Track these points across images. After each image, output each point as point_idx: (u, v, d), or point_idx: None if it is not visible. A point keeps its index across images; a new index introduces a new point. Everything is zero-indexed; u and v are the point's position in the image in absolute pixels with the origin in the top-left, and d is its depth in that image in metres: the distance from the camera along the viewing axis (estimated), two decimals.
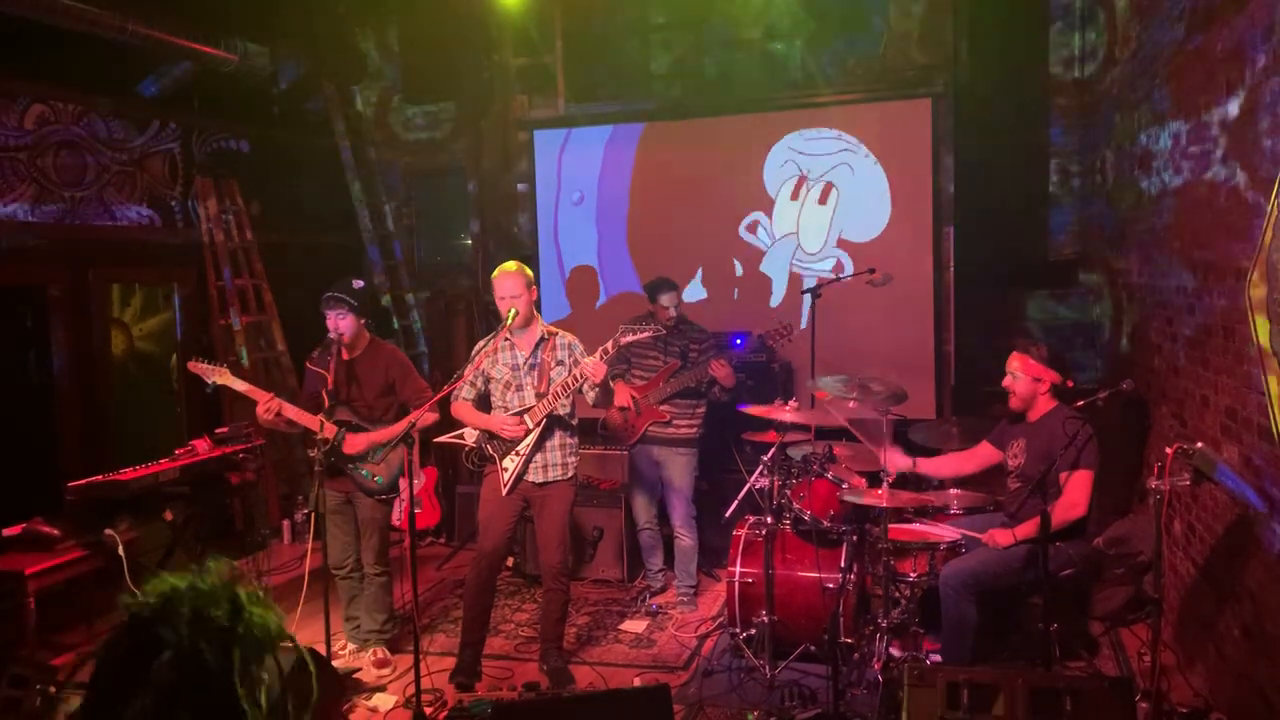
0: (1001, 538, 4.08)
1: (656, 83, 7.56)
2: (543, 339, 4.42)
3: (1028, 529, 3.97)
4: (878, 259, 6.11)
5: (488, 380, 4.46)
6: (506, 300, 4.31)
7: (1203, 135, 3.99)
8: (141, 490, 4.99)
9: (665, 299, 5.34)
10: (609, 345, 4.22)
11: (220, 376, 4.51)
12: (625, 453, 5.75)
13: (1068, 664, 4.26)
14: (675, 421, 5.38)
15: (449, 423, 4.60)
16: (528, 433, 4.33)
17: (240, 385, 4.52)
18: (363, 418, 4.58)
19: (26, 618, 4.45)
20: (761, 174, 6.77)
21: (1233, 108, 3.56)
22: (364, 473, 4.55)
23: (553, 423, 4.39)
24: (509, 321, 4.29)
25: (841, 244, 6.60)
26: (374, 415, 4.61)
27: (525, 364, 4.40)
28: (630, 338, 4.24)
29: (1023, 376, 4.28)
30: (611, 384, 5.28)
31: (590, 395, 4.34)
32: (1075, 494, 4.03)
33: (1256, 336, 3.21)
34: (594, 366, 4.17)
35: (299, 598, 4.44)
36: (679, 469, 5.40)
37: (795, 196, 6.69)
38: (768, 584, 4.46)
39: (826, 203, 6.63)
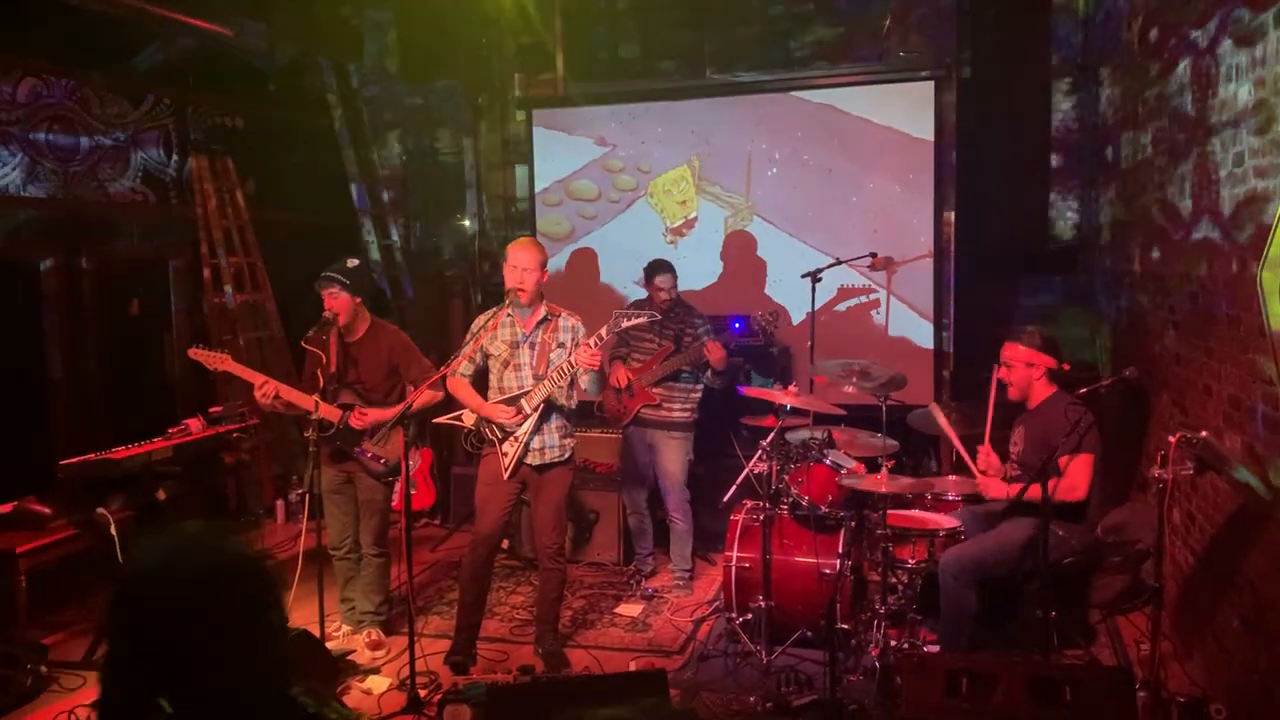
0: (995, 488, 4.05)
1: (655, 63, 7.47)
2: (545, 319, 4.37)
3: (1019, 488, 3.86)
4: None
5: (486, 357, 4.42)
6: (517, 271, 4.25)
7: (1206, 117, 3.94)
8: (134, 469, 4.95)
9: (660, 280, 5.32)
10: (603, 331, 4.15)
11: (222, 364, 4.48)
12: (620, 435, 5.72)
13: (1065, 652, 4.25)
14: (666, 405, 5.35)
15: (452, 402, 4.56)
16: (525, 419, 4.29)
17: (242, 371, 4.48)
18: (366, 401, 4.54)
19: (18, 596, 4.42)
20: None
21: (1244, 93, 3.52)
22: (369, 455, 4.52)
23: (550, 405, 4.35)
24: (511, 299, 4.25)
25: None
26: (376, 398, 4.58)
27: (525, 341, 4.35)
28: (626, 323, 4.18)
29: (1015, 364, 4.25)
30: (609, 366, 5.28)
31: (583, 381, 4.29)
32: (1075, 477, 4.00)
33: (1268, 322, 3.17)
34: (588, 355, 4.11)
35: (293, 578, 4.42)
36: (671, 453, 5.37)
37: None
38: (765, 569, 4.43)
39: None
